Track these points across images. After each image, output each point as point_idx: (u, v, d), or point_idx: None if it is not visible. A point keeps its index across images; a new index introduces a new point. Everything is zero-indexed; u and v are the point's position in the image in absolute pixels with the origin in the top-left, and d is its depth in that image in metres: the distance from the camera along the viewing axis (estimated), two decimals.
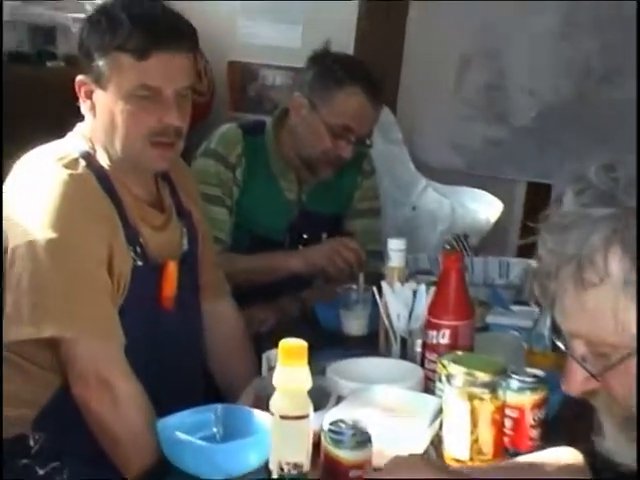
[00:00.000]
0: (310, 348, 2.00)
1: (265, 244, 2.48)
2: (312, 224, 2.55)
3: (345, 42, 3.15)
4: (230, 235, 2.47)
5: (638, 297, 0.99)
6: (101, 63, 1.68)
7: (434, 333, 1.78)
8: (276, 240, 2.51)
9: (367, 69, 2.51)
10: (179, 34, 1.72)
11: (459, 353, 1.68)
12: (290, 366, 1.38)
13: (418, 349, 1.87)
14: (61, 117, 1.71)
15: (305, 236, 2.54)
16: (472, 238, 2.78)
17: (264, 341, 2.23)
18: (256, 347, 2.12)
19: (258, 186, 2.50)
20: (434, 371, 1.71)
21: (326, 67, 2.46)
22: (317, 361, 1.91)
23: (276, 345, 2.10)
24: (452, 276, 1.78)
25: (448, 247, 2.71)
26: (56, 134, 1.78)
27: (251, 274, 2.37)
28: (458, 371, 1.52)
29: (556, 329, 1.11)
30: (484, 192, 3.15)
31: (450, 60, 3.70)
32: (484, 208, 3.10)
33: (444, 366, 1.61)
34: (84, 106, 1.74)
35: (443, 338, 1.77)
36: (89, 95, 1.72)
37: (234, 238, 2.48)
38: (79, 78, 1.73)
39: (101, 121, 1.72)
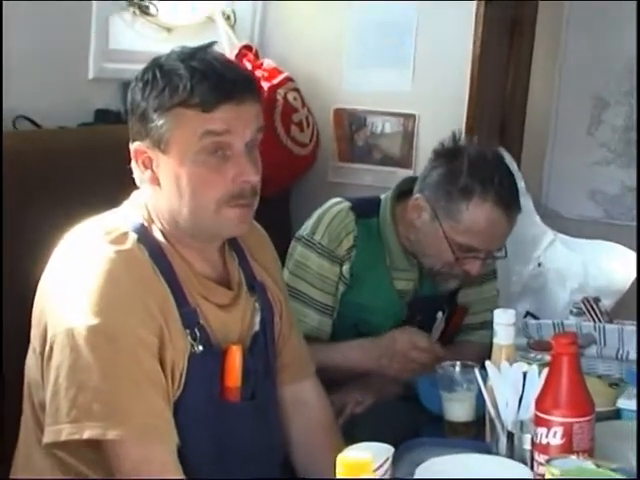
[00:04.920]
0: (408, 435, 1.79)
1: None
2: (426, 306, 2.25)
3: (459, 85, 2.91)
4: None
5: (638, 295, 0.76)
6: (161, 123, 1.49)
7: (543, 431, 1.49)
8: None
9: (503, 169, 2.13)
10: (246, 83, 1.53)
11: (573, 458, 1.40)
12: None
13: (527, 447, 1.58)
14: None
15: (419, 318, 2.24)
16: (605, 301, 2.45)
17: (358, 426, 2.01)
18: (350, 432, 1.89)
19: (368, 280, 2.19)
20: (544, 476, 1.43)
21: (453, 171, 2.07)
22: (411, 451, 1.67)
23: (369, 430, 1.89)
24: (564, 363, 1.49)
25: (575, 311, 2.41)
26: None
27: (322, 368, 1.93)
28: None
29: None
30: (621, 246, 2.81)
31: (584, 101, 3.44)
32: (621, 265, 2.76)
33: (552, 474, 1.33)
34: (143, 176, 1.55)
35: (554, 438, 1.48)
36: (148, 164, 1.54)
37: (337, 332, 2.21)
38: (136, 146, 1.54)
39: (166, 190, 1.53)
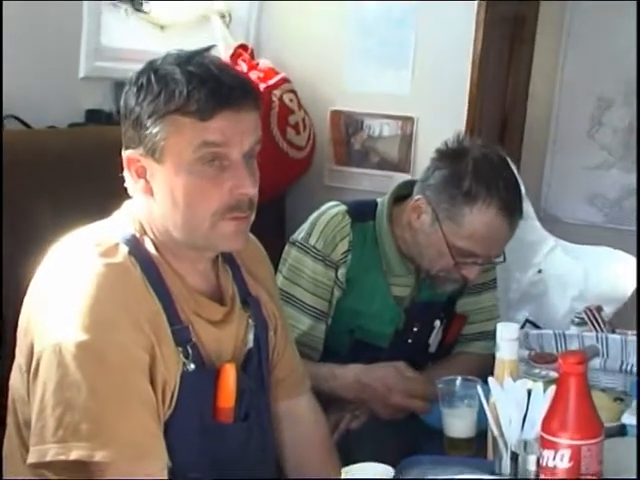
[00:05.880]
0: (407, 451, 1.73)
1: (367, 349, 2.14)
2: (424, 313, 2.19)
3: (459, 87, 2.85)
4: (318, 348, 2.13)
5: (638, 297, 0.72)
6: (155, 130, 1.42)
7: (550, 454, 1.43)
8: (379, 346, 2.16)
9: (508, 173, 2.05)
10: (244, 89, 1.46)
11: None
12: None
13: (532, 467, 1.52)
14: None
15: (415, 329, 2.18)
16: (607, 309, 2.39)
17: (356, 443, 1.95)
18: (347, 449, 1.83)
19: (364, 285, 2.12)
20: None
21: (457, 173, 2.00)
22: (410, 469, 1.61)
23: (367, 448, 1.83)
24: (572, 383, 1.43)
25: (577, 320, 2.35)
26: None
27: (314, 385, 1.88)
28: None
29: None
30: (623, 252, 2.75)
31: (585, 104, 3.40)
32: (623, 271, 2.70)
33: None
34: (135, 186, 1.48)
35: (561, 461, 1.41)
36: (142, 173, 1.47)
37: (332, 339, 2.15)
38: (128, 154, 1.47)
39: (160, 200, 1.46)
